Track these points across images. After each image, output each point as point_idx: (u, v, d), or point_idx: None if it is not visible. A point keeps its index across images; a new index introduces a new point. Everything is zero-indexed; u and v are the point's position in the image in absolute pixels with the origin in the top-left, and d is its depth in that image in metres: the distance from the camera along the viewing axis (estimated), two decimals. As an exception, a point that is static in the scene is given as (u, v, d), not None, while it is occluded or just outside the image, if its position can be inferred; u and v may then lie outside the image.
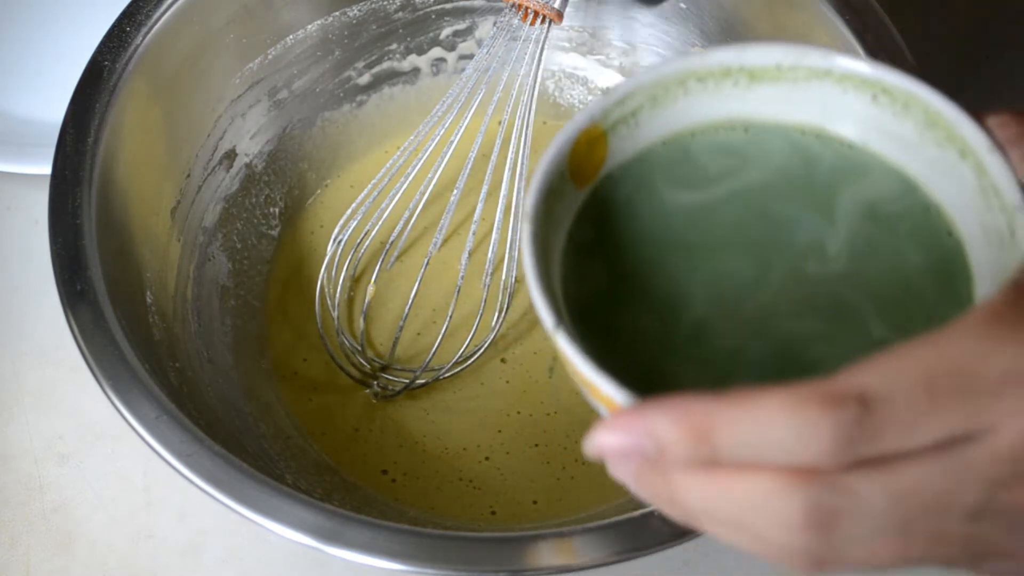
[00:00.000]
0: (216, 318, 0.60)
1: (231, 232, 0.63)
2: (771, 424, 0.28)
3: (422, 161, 0.60)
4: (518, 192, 0.60)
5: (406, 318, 0.60)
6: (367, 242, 0.62)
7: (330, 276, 0.63)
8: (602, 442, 0.31)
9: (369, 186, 0.61)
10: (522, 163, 0.59)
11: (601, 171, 0.38)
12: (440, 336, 0.60)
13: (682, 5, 0.63)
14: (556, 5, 0.57)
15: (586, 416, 0.59)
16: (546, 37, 0.58)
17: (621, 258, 0.37)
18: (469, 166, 0.60)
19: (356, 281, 0.64)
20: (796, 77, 0.37)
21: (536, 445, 0.59)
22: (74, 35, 0.74)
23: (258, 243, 0.65)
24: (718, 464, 0.29)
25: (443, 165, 0.60)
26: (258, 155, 0.65)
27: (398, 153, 0.61)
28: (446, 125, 0.60)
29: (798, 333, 0.35)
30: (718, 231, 0.38)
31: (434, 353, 0.60)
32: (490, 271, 0.61)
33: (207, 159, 0.61)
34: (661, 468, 0.30)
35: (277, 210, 0.66)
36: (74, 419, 0.61)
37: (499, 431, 0.59)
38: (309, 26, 0.64)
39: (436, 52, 0.69)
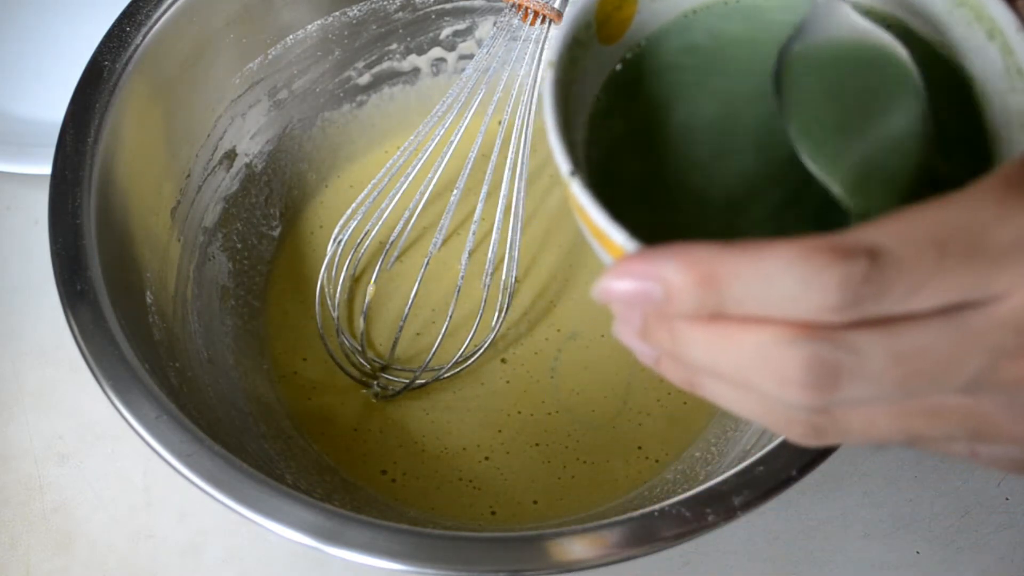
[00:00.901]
0: (216, 318, 0.60)
1: (231, 232, 0.63)
2: (778, 274, 0.27)
3: (422, 161, 0.60)
4: (518, 192, 0.60)
5: (406, 318, 0.60)
6: (367, 242, 0.62)
7: (330, 276, 0.63)
8: (610, 286, 0.30)
9: (369, 186, 0.61)
10: (522, 163, 0.59)
11: (628, 30, 0.38)
12: (440, 336, 0.60)
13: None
14: (556, 5, 0.57)
15: (587, 415, 0.59)
16: (546, 37, 0.58)
17: (643, 122, 0.38)
18: (469, 166, 0.60)
19: (356, 281, 0.64)
20: None
21: (536, 444, 0.59)
22: (74, 35, 0.74)
23: (258, 243, 0.64)
24: (724, 315, 0.29)
25: (443, 165, 0.60)
26: (258, 155, 0.65)
27: (398, 153, 0.61)
28: (446, 125, 0.60)
29: (810, 193, 0.35)
30: (740, 104, 0.37)
31: (434, 353, 0.60)
32: (490, 271, 0.61)
33: (207, 159, 0.61)
34: (666, 318, 0.30)
35: (277, 210, 0.66)
36: (74, 419, 0.61)
37: (499, 431, 0.59)
38: (309, 26, 0.64)
39: (436, 52, 0.69)
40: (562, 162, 0.33)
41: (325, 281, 0.62)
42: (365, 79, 0.68)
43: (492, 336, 0.61)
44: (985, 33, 0.35)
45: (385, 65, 0.68)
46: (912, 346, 0.28)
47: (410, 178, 0.60)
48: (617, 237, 0.32)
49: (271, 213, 0.66)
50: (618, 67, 0.39)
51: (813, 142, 0.34)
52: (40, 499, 0.59)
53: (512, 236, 0.60)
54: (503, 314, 0.61)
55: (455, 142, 0.59)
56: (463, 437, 0.59)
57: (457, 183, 0.61)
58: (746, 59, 0.39)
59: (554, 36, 0.36)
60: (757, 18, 0.39)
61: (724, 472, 0.44)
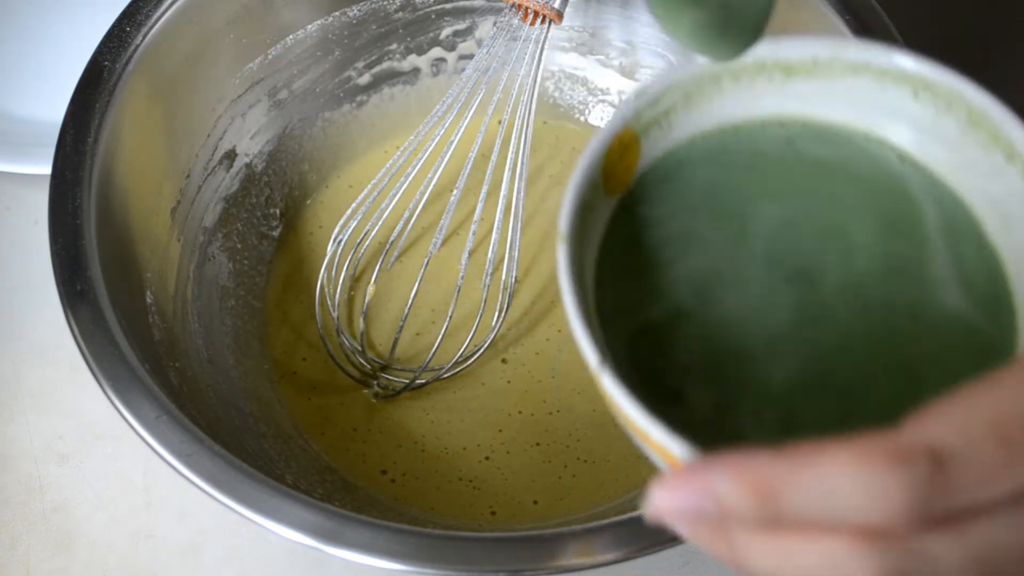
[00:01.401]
0: (216, 318, 0.60)
1: (231, 232, 0.63)
2: (838, 482, 0.26)
3: (422, 161, 0.60)
4: (518, 192, 0.60)
5: (406, 318, 0.60)
6: (367, 242, 0.62)
7: (330, 276, 0.63)
8: (660, 504, 0.28)
9: (369, 186, 0.61)
10: (522, 163, 0.59)
11: (633, 176, 0.36)
12: (440, 336, 0.60)
13: (682, 4, 0.63)
14: (556, 5, 0.57)
15: (588, 414, 0.59)
16: (546, 37, 0.58)
17: (661, 275, 0.35)
18: (469, 166, 0.60)
19: (356, 281, 0.64)
20: (832, 72, 0.36)
21: (537, 444, 0.59)
22: (74, 35, 0.74)
23: (258, 243, 0.65)
24: (784, 524, 0.27)
25: (443, 165, 0.60)
26: (258, 155, 0.65)
27: (398, 153, 0.61)
28: (446, 125, 0.60)
29: (852, 364, 0.33)
30: (761, 244, 0.35)
31: (434, 353, 0.60)
32: (490, 271, 0.61)
33: (207, 159, 0.61)
34: (724, 528, 0.28)
35: (277, 210, 0.66)
36: (74, 419, 0.61)
37: (500, 430, 0.59)
38: (309, 26, 0.64)
39: (436, 52, 0.69)
40: (589, 353, 0.31)
41: (325, 281, 0.62)
42: (365, 79, 0.68)
43: (492, 336, 0.61)
44: (1003, 156, 0.34)
45: (385, 65, 0.68)
46: (987, 541, 0.27)
47: (410, 178, 0.60)
48: (658, 435, 0.30)
49: (271, 213, 0.66)
50: (616, 209, 0.36)
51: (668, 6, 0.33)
52: (40, 499, 0.59)
53: (512, 236, 0.60)
54: (503, 314, 0.61)
55: (455, 142, 0.59)
56: (463, 437, 0.59)
57: (457, 183, 0.61)
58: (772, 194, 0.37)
59: (564, 203, 0.32)
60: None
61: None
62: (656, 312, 0.34)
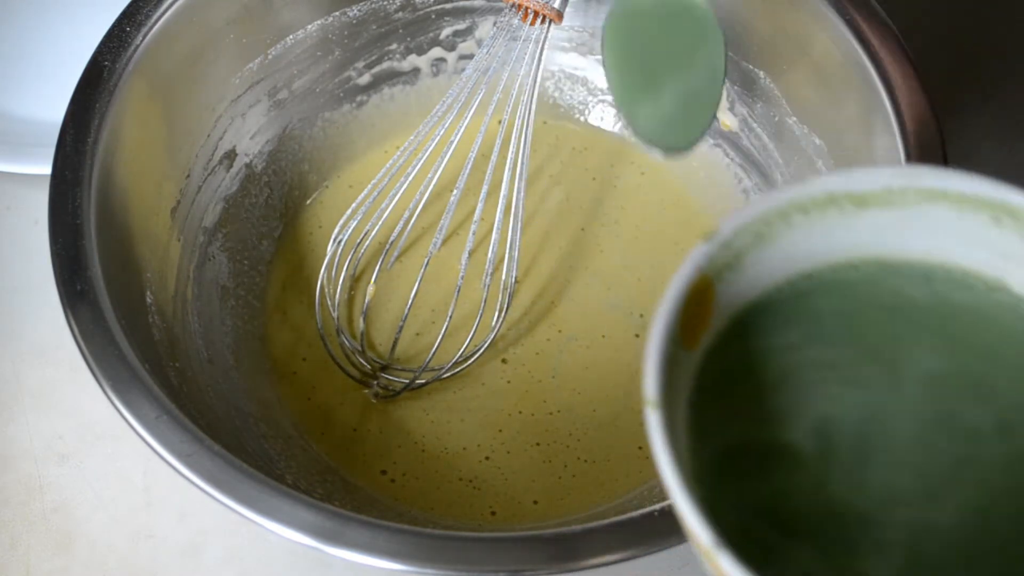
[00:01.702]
0: (216, 318, 0.60)
1: (231, 232, 0.63)
2: None
3: (422, 161, 0.60)
4: (518, 192, 0.60)
5: (406, 318, 0.60)
6: (367, 242, 0.62)
7: (330, 276, 0.63)
8: None
9: (369, 186, 0.61)
10: (522, 163, 0.59)
11: (711, 326, 0.34)
12: (440, 336, 0.60)
13: (682, 5, 0.63)
14: (556, 5, 0.57)
15: (589, 414, 0.59)
16: (546, 37, 0.58)
17: (754, 437, 0.33)
18: (469, 166, 0.60)
19: (356, 281, 0.64)
20: (907, 201, 0.34)
21: (537, 444, 0.59)
22: (74, 35, 0.74)
23: (258, 243, 0.65)
24: None
25: (443, 165, 0.60)
26: (258, 155, 0.65)
27: (398, 153, 0.61)
28: (446, 125, 0.60)
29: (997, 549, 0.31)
30: (855, 408, 0.33)
31: (434, 353, 0.60)
32: (490, 271, 0.61)
33: (207, 159, 0.61)
34: None
35: (277, 210, 0.66)
36: (74, 419, 0.61)
37: (500, 430, 0.59)
38: (309, 26, 0.64)
39: (436, 52, 0.69)
40: (700, 532, 0.28)
41: (325, 281, 0.62)
42: (365, 79, 0.68)
43: (492, 336, 0.61)
44: None
45: (385, 65, 0.68)
46: None
47: (410, 178, 0.60)
48: None
49: (271, 213, 0.66)
50: (700, 366, 0.34)
51: (628, 104, 0.33)
52: (40, 499, 0.59)
53: (512, 236, 0.60)
54: (503, 314, 0.61)
55: (455, 142, 0.59)
56: (463, 437, 0.59)
57: (457, 183, 0.61)
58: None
59: (648, 364, 0.31)
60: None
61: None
62: (747, 469, 0.33)
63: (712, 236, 0.33)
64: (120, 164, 0.54)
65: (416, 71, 0.69)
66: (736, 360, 0.34)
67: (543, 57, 0.59)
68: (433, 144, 0.60)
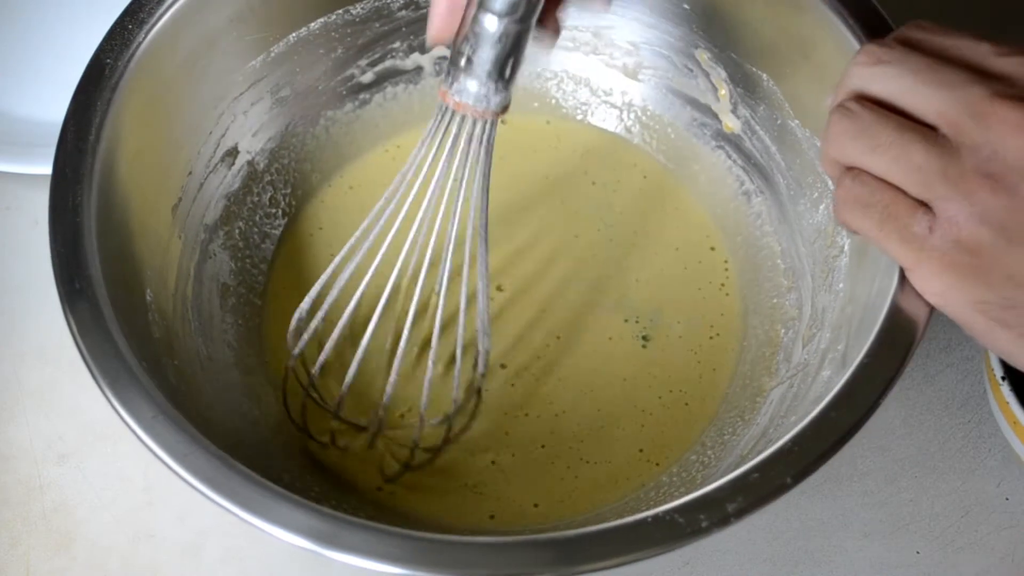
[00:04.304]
0: (216, 316, 0.60)
1: (232, 230, 0.63)
2: None
3: (374, 268, 0.55)
4: (482, 267, 0.56)
5: (386, 409, 0.57)
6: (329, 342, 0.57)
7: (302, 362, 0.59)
8: None
9: (325, 276, 0.56)
10: (481, 259, 0.55)
11: None
12: (419, 428, 0.57)
13: (685, 6, 0.63)
14: (494, 107, 0.49)
15: (593, 415, 0.59)
16: (491, 136, 0.51)
17: None
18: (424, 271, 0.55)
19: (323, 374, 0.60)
20: None
21: (543, 446, 0.58)
22: (74, 35, 0.74)
23: (260, 241, 0.64)
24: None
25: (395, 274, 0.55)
26: (260, 153, 0.65)
27: (345, 253, 0.56)
28: (393, 233, 0.54)
29: None
30: None
31: (417, 441, 0.57)
32: (459, 364, 0.58)
33: (209, 156, 0.61)
34: None
35: (279, 208, 0.66)
36: (74, 419, 0.61)
37: (506, 433, 0.59)
38: (312, 24, 0.64)
39: (439, 51, 0.68)
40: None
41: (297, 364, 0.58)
42: (368, 77, 0.68)
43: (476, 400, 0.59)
44: None
45: (388, 63, 0.68)
46: None
47: (366, 282, 0.55)
48: None
49: (273, 211, 0.65)
50: None
51: None
52: (40, 499, 0.59)
53: (481, 315, 0.57)
54: (479, 396, 0.59)
55: (404, 254, 0.54)
56: (464, 440, 0.59)
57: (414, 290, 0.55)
58: None
59: None
60: None
61: (720, 477, 0.43)
62: None
63: None
64: (121, 161, 0.54)
65: (419, 70, 0.69)
66: None
67: (491, 159, 0.52)
68: (379, 259, 0.55)
